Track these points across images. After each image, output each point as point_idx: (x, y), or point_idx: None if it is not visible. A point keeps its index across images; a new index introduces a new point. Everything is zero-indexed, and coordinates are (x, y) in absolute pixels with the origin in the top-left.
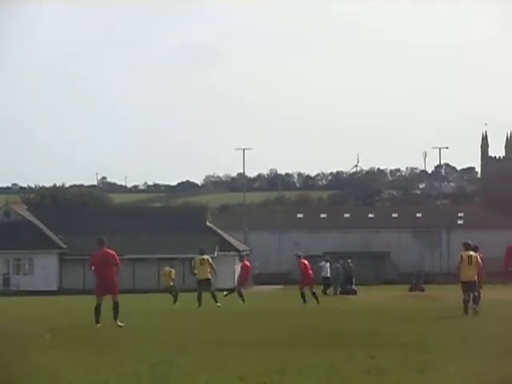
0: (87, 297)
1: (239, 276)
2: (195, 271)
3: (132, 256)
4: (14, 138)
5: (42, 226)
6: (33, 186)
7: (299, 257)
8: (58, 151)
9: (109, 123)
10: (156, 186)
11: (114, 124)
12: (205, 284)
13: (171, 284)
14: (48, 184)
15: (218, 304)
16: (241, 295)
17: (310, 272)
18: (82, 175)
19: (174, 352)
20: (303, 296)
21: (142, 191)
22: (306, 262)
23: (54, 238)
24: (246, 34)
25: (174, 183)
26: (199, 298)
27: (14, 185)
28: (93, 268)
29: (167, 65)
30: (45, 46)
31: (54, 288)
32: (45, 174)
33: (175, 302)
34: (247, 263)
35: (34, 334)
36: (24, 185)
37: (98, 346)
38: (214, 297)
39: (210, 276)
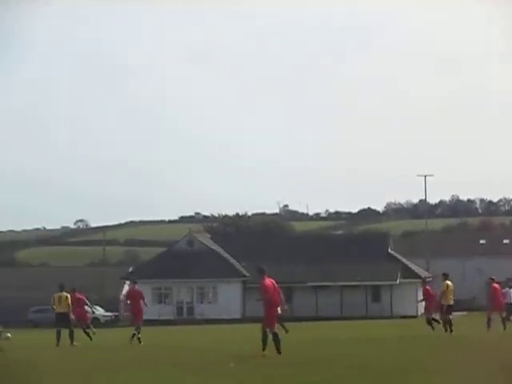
0: None
1: (428, 303)
2: (54, 306)
3: (315, 283)
4: (198, 167)
5: (225, 255)
6: (216, 214)
7: (492, 280)
8: (241, 180)
9: (289, 154)
10: (337, 213)
11: (296, 152)
12: (63, 319)
13: None
14: (231, 213)
15: (75, 343)
16: (430, 323)
17: (501, 297)
18: (264, 203)
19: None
20: (489, 321)
21: (324, 219)
22: (497, 286)
23: (238, 266)
24: None
25: (355, 210)
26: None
27: (197, 214)
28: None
29: None
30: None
31: (238, 316)
32: (227, 203)
33: None
34: (428, 288)
35: (219, 361)
36: (207, 214)
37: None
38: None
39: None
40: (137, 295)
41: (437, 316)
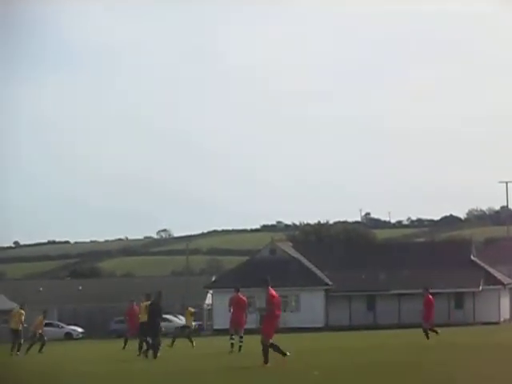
0: (353, 333)
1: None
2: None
3: (397, 291)
4: (278, 177)
5: (307, 263)
6: (297, 223)
7: None
8: (322, 189)
9: (371, 161)
10: (419, 220)
11: (376, 160)
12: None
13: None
14: (312, 221)
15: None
16: (426, 332)
17: None
18: (346, 212)
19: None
20: None
21: (406, 226)
22: None
23: (320, 274)
24: None
25: (437, 218)
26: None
27: (279, 222)
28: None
29: None
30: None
31: (321, 325)
32: (309, 212)
33: None
34: (430, 297)
35: (303, 370)
36: (289, 222)
37: (361, 380)
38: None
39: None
40: (241, 303)
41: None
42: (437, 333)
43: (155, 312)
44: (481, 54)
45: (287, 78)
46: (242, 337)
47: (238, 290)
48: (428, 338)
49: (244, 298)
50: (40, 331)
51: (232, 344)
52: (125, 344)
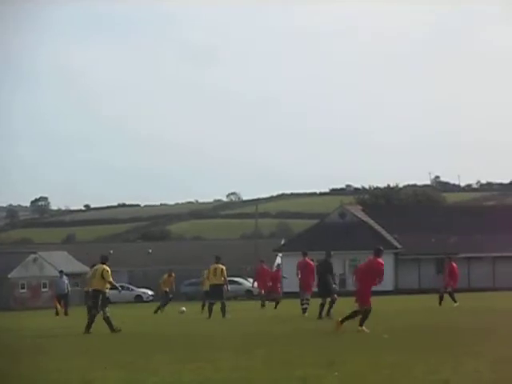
0: (423, 296)
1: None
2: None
3: (467, 255)
4: (348, 140)
5: (376, 227)
6: (367, 186)
7: None
8: (392, 151)
9: (439, 124)
10: (489, 184)
11: (446, 125)
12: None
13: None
14: (382, 184)
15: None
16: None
17: None
18: (415, 175)
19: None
20: None
21: (475, 190)
22: None
23: (389, 238)
24: None
25: (506, 181)
26: None
27: (348, 186)
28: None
29: None
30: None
31: (390, 288)
32: (379, 175)
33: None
34: (454, 264)
35: (372, 334)
36: (358, 186)
37: (434, 345)
38: None
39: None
40: (309, 267)
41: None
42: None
43: (327, 270)
44: None
45: None
46: (308, 299)
47: (305, 254)
48: (440, 303)
49: (312, 263)
50: (167, 289)
51: (305, 308)
52: (263, 303)
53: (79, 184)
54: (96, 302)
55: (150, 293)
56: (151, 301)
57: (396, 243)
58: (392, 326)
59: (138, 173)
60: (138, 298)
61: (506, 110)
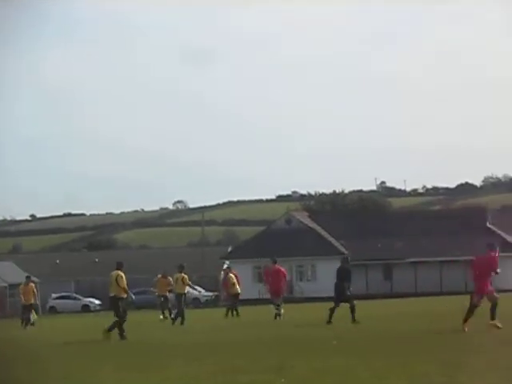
0: (370, 302)
1: None
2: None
3: (414, 259)
4: (293, 146)
5: (323, 233)
6: (313, 193)
7: None
8: (337, 157)
9: (385, 130)
10: (435, 188)
11: (391, 129)
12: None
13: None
14: (328, 190)
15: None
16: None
17: None
18: (361, 180)
19: (463, 353)
20: None
21: (421, 194)
22: None
23: (336, 243)
24: None
25: (452, 185)
26: None
27: (294, 192)
28: None
29: None
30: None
31: None
32: (325, 181)
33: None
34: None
35: (321, 339)
36: (304, 192)
37: (382, 350)
38: None
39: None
40: (280, 273)
41: None
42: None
43: (345, 276)
44: None
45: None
46: (278, 305)
47: (275, 262)
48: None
49: (283, 269)
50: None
51: (278, 314)
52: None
53: (25, 193)
54: (117, 308)
55: (97, 302)
56: (98, 310)
57: (343, 249)
58: (340, 332)
59: (83, 181)
60: (85, 308)
61: (451, 115)
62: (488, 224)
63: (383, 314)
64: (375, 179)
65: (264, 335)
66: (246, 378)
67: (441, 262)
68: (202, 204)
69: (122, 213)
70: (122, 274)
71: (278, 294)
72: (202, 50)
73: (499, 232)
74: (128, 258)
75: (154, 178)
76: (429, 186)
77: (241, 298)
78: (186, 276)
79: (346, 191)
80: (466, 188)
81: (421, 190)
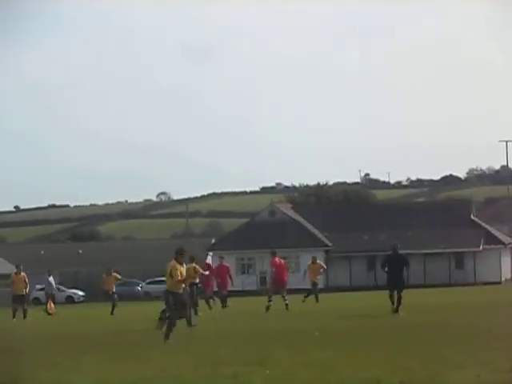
0: (354, 294)
1: None
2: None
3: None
4: (277, 137)
5: (307, 225)
6: (297, 184)
7: None
8: (321, 149)
9: (369, 122)
10: (419, 181)
11: (375, 121)
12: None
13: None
14: (312, 182)
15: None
16: None
17: None
18: (345, 172)
19: (444, 347)
20: None
21: (405, 187)
22: None
23: (320, 235)
24: None
25: (437, 177)
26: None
27: (278, 184)
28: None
29: None
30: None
31: (321, 286)
32: (309, 173)
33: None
34: None
35: (303, 330)
36: (288, 184)
37: (365, 343)
38: None
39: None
40: (282, 265)
41: None
42: None
43: (404, 264)
44: None
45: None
46: (284, 296)
47: (275, 254)
48: None
49: (282, 261)
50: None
51: (269, 307)
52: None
53: (8, 185)
54: (168, 303)
55: (81, 293)
56: (81, 301)
57: (326, 241)
58: (323, 324)
59: (67, 172)
60: (69, 299)
61: (434, 109)
62: (472, 216)
63: (367, 306)
64: (359, 171)
65: (247, 327)
66: (229, 369)
67: (425, 254)
68: (186, 196)
69: (106, 204)
70: (178, 266)
71: (283, 285)
72: (194, 47)
73: (484, 224)
74: (111, 249)
75: (138, 169)
76: (413, 178)
77: (226, 290)
78: (197, 266)
79: (330, 183)
80: (450, 180)
81: (405, 183)
